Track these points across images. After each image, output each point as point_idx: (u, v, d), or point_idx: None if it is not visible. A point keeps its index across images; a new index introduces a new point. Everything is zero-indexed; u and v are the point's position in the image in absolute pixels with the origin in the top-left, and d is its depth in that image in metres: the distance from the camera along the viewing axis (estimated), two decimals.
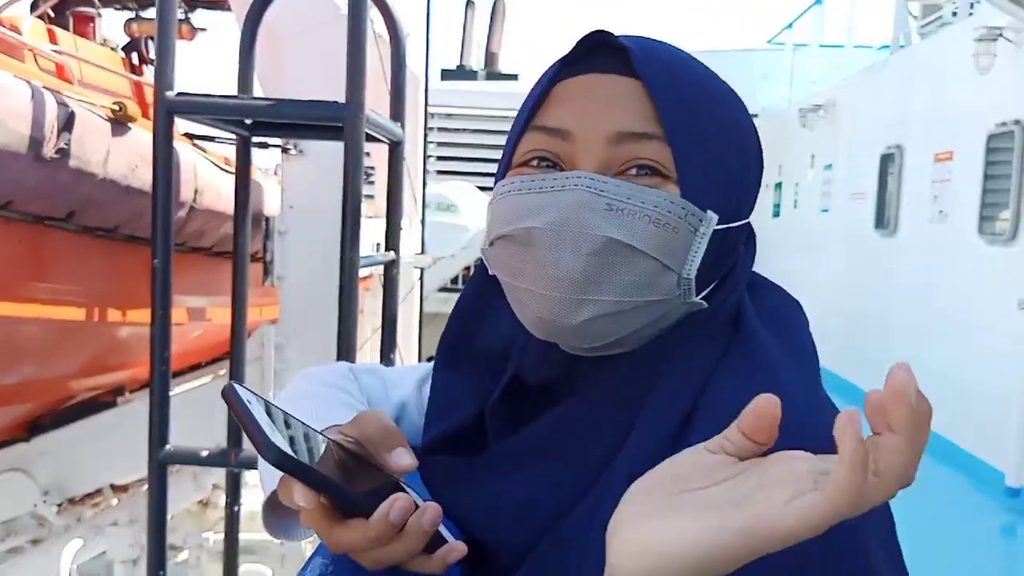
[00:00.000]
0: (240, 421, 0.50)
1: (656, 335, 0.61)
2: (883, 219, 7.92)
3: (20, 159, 2.01)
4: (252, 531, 3.52)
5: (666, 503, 0.42)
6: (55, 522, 3.16)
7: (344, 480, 0.52)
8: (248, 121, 2.39)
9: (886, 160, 7.89)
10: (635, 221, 0.55)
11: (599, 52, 0.59)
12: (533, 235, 0.56)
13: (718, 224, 0.58)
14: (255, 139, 2.58)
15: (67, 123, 2.16)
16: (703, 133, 0.58)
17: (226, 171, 3.10)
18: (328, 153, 2.93)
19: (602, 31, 0.59)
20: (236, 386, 0.52)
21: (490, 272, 0.62)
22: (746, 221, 0.63)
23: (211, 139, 3.36)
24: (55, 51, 3.03)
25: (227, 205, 2.74)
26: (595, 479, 0.57)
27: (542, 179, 0.57)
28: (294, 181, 3.22)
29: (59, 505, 3.36)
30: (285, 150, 3.17)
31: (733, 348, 0.59)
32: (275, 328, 3.46)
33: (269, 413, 0.52)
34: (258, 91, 2.66)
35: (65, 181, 2.22)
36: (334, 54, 2.22)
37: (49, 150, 2.09)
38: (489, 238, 0.61)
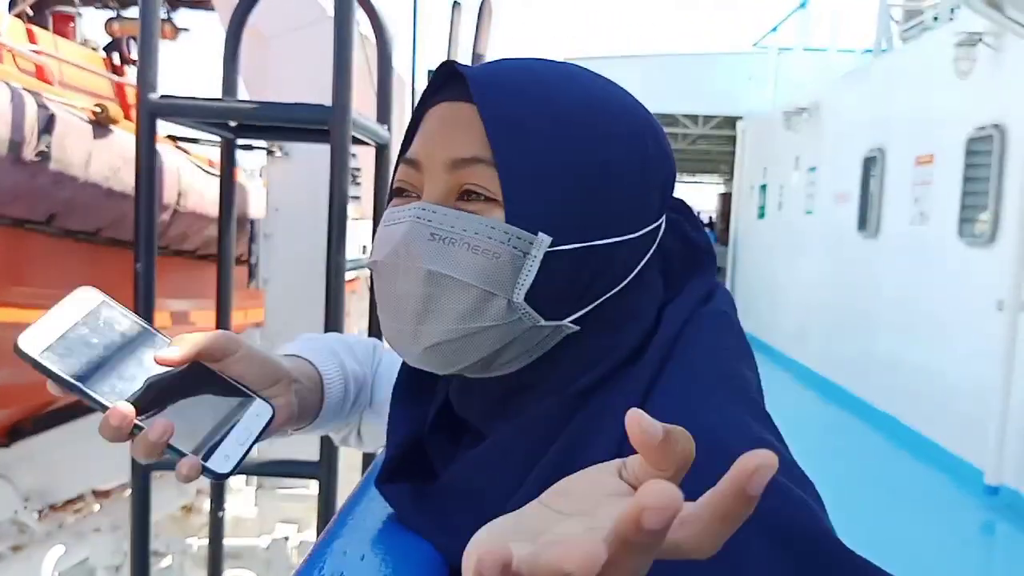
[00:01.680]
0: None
1: (534, 357, 0.59)
2: (866, 221, 7.99)
3: None
4: (237, 536, 3.50)
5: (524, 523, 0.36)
6: (36, 528, 3.12)
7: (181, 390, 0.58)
8: (233, 123, 2.37)
9: (868, 163, 7.96)
10: (455, 250, 0.56)
11: (454, 81, 0.60)
12: (378, 268, 0.59)
13: (561, 245, 0.55)
14: (240, 141, 2.56)
15: (47, 125, 2.14)
16: (533, 154, 0.56)
17: (210, 173, 3.08)
18: (314, 155, 2.91)
19: (450, 61, 0.60)
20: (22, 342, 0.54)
21: None
22: (617, 239, 0.58)
23: (195, 141, 3.33)
24: (34, 51, 2.99)
25: (211, 208, 2.72)
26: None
27: (393, 211, 0.59)
28: (279, 183, 3.19)
29: (40, 511, 3.32)
30: (270, 152, 3.15)
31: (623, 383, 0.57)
32: (260, 331, 3.44)
33: (96, 320, 0.58)
34: (242, 93, 2.64)
35: (45, 184, 2.19)
36: (320, 56, 2.20)
37: (29, 152, 2.07)
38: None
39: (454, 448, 0.66)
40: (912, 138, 7.03)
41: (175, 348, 0.61)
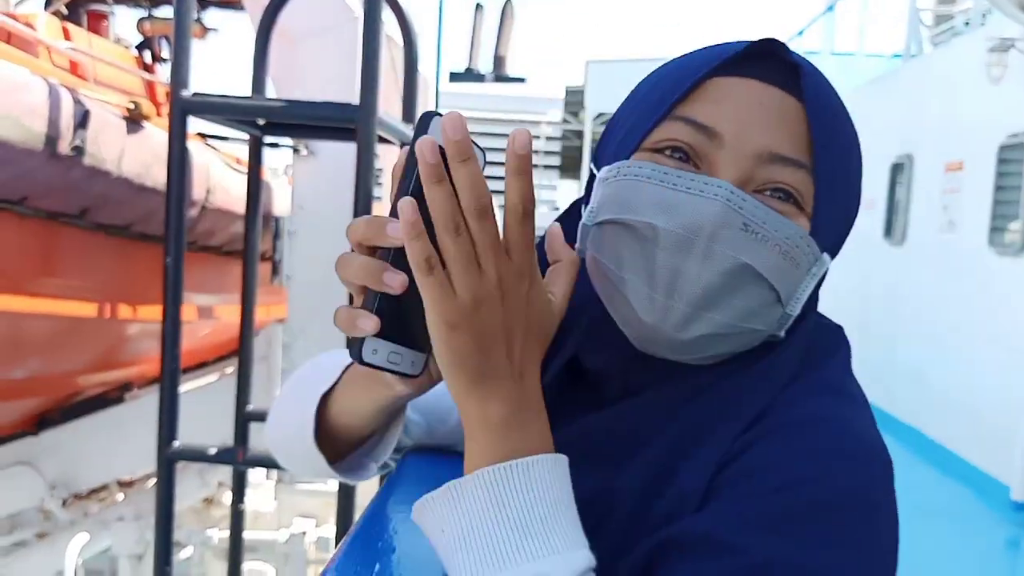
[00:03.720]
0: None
1: (732, 358, 0.59)
2: (892, 228, 7.91)
3: (35, 156, 2.02)
4: (256, 529, 3.54)
5: None
6: (61, 516, 3.17)
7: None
8: (261, 122, 2.40)
9: (896, 169, 7.88)
10: (767, 248, 0.53)
11: (759, 59, 0.56)
12: (660, 234, 0.53)
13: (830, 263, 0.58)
14: (267, 139, 2.60)
15: (82, 121, 2.18)
16: (845, 176, 0.57)
17: (237, 171, 3.12)
18: (338, 154, 2.94)
19: (776, 41, 0.56)
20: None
21: (587, 251, 0.58)
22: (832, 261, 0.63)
23: (224, 139, 3.38)
24: (70, 48, 3.05)
25: (238, 204, 2.76)
26: (639, 483, 0.56)
27: (679, 176, 0.53)
28: (304, 181, 3.23)
29: (65, 500, 3.38)
30: (296, 151, 3.18)
31: (799, 383, 0.58)
32: (282, 327, 3.47)
33: None
34: (271, 92, 2.67)
35: (79, 178, 2.23)
36: (346, 56, 2.23)
37: (64, 147, 2.11)
38: (599, 217, 0.57)
39: (567, 404, 0.62)
40: (941, 144, 6.95)
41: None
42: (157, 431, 2.17)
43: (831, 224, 0.57)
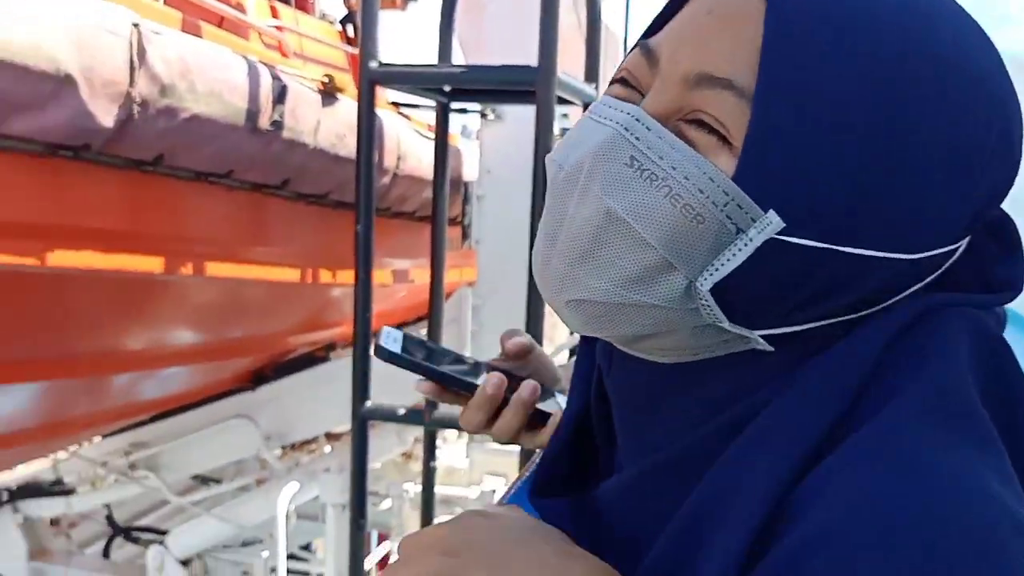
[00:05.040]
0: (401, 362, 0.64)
1: (699, 358, 0.44)
2: None
3: (238, 131, 2.15)
4: (449, 484, 3.67)
5: None
6: (276, 465, 3.45)
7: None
8: (447, 88, 2.41)
9: None
10: (650, 190, 0.39)
11: None
12: (552, 172, 0.45)
13: (794, 236, 0.38)
14: (454, 105, 2.61)
15: (280, 95, 2.29)
16: (812, 98, 0.37)
17: (428, 138, 3.18)
18: (524, 117, 2.91)
19: None
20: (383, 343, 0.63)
21: None
22: (875, 254, 0.39)
23: (415, 106, 3.46)
24: (272, 26, 3.22)
25: (429, 171, 2.81)
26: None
27: (605, 105, 0.43)
28: (492, 146, 3.25)
29: (284, 449, 3.67)
30: (483, 115, 3.20)
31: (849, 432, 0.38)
32: (472, 290, 3.54)
33: (427, 349, 0.67)
34: (460, 56, 2.68)
35: (279, 151, 2.35)
36: (531, 15, 2.18)
37: (264, 122, 2.23)
38: None
39: (605, 426, 0.54)
40: None
41: (517, 339, 0.69)
42: (351, 390, 2.28)
43: (777, 169, 0.38)
